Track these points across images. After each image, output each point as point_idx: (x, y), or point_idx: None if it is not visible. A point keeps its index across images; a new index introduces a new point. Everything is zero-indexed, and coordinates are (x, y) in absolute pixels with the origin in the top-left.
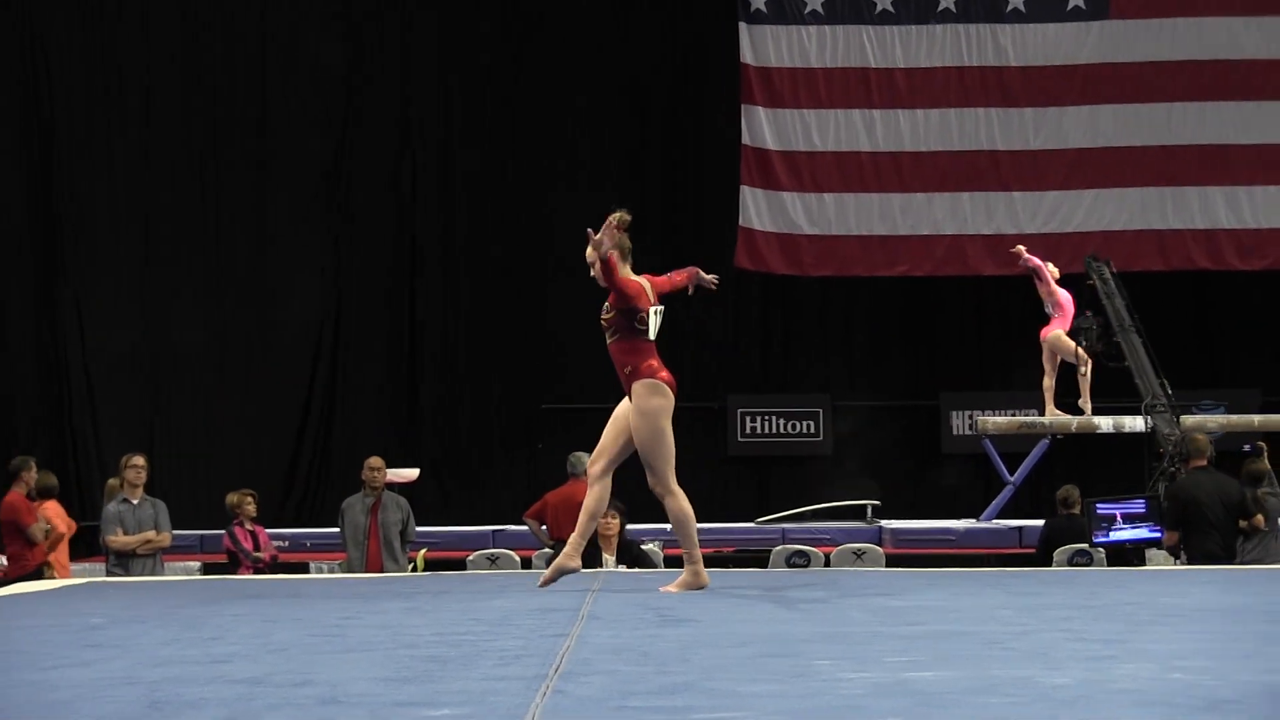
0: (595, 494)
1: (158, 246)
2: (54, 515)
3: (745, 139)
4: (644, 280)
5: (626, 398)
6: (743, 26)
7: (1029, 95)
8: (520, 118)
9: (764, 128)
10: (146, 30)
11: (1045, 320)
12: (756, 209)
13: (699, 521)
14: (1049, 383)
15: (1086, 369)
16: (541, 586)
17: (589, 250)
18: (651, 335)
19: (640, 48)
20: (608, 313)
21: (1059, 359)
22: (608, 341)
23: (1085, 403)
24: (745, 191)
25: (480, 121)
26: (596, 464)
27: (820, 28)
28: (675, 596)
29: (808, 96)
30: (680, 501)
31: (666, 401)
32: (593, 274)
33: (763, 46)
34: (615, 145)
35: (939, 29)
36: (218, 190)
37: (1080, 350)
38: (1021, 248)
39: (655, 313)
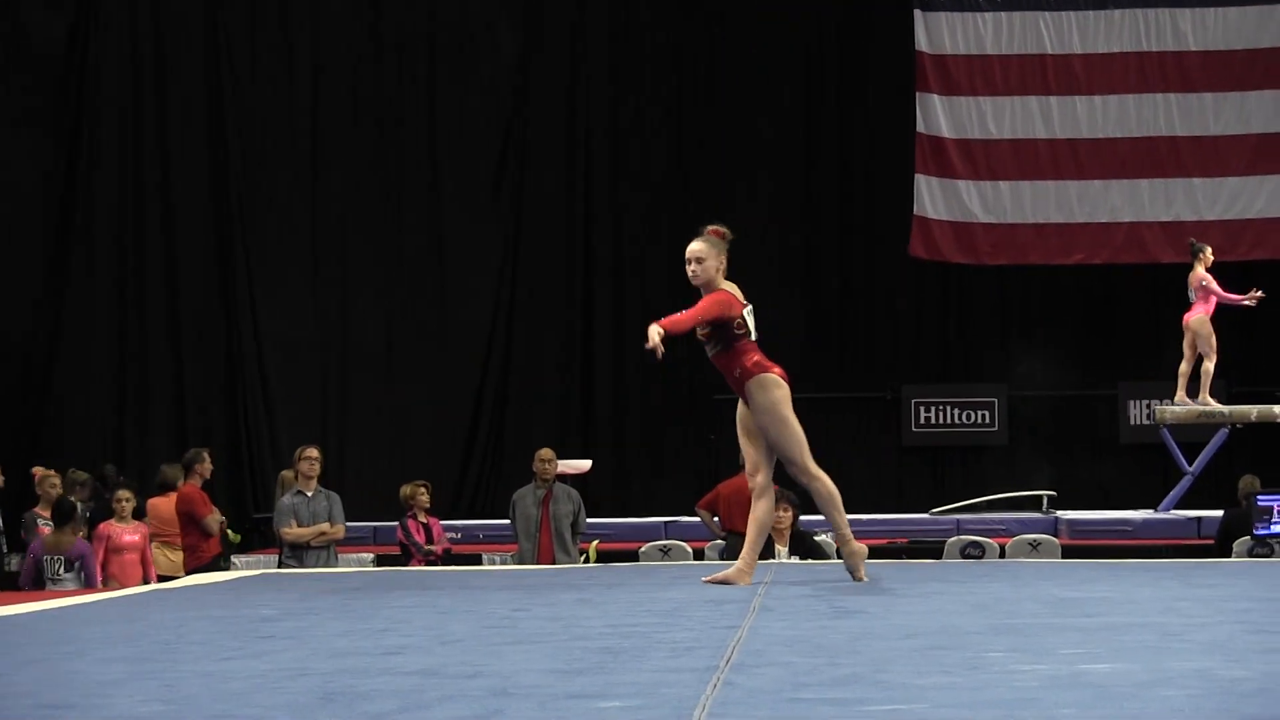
0: (763, 506)
1: (331, 237)
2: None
3: (920, 127)
4: (729, 286)
5: (741, 401)
6: (917, 14)
7: (1209, 80)
8: (690, 109)
9: (939, 116)
10: (319, 23)
11: (1188, 306)
12: (931, 197)
13: (872, 512)
14: (1185, 369)
15: (1211, 364)
16: (705, 582)
17: (701, 245)
18: (753, 335)
19: (813, 36)
20: (704, 328)
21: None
22: (709, 354)
23: (1205, 398)
24: (920, 180)
25: (652, 112)
26: (756, 477)
27: (996, 14)
28: (852, 585)
29: (983, 84)
30: (825, 483)
31: (783, 392)
32: (695, 269)
33: (938, 34)
34: (787, 135)
35: (1117, 14)
36: (390, 182)
37: (1214, 342)
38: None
39: (749, 312)
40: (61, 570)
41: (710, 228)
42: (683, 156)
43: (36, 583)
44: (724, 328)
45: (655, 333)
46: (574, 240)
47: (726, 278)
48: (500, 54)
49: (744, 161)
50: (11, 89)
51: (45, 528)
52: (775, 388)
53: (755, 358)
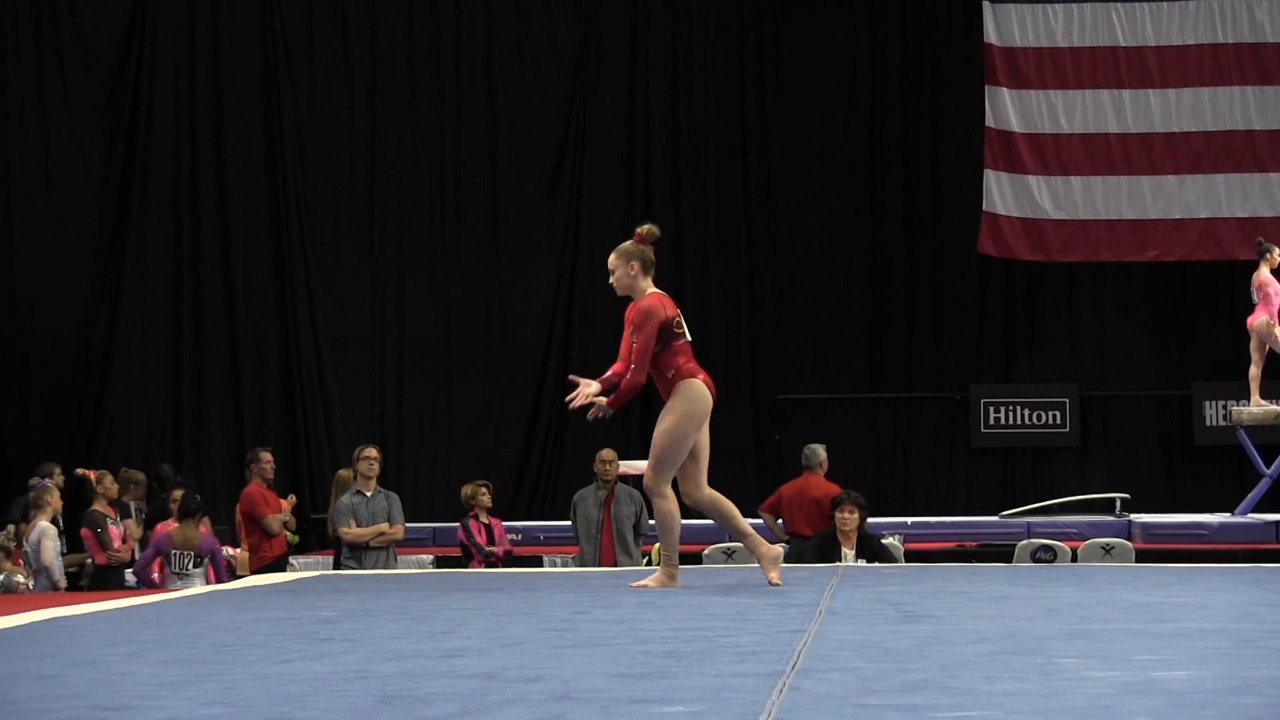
0: (718, 509)
1: (388, 233)
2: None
3: (989, 121)
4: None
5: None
6: (986, 6)
7: None
8: (753, 101)
9: (1008, 110)
10: (375, 14)
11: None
12: (1001, 193)
13: (941, 514)
14: (1255, 372)
15: None
16: (634, 586)
17: (612, 257)
18: (688, 336)
19: (879, 28)
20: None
21: (1267, 348)
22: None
23: None
24: (989, 175)
25: (712, 105)
26: (693, 489)
27: (1067, 6)
28: (922, 590)
29: (1054, 77)
30: (670, 504)
31: (701, 408)
32: (611, 281)
33: (1007, 26)
34: (852, 128)
35: (1192, 5)
36: (447, 176)
37: None
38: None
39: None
40: (190, 565)
41: (644, 230)
42: (745, 151)
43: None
44: (662, 329)
45: (591, 394)
46: (632, 233)
47: (655, 282)
48: (559, 44)
49: (808, 156)
50: (67, 84)
51: (114, 527)
52: (699, 400)
53: (691, 364)
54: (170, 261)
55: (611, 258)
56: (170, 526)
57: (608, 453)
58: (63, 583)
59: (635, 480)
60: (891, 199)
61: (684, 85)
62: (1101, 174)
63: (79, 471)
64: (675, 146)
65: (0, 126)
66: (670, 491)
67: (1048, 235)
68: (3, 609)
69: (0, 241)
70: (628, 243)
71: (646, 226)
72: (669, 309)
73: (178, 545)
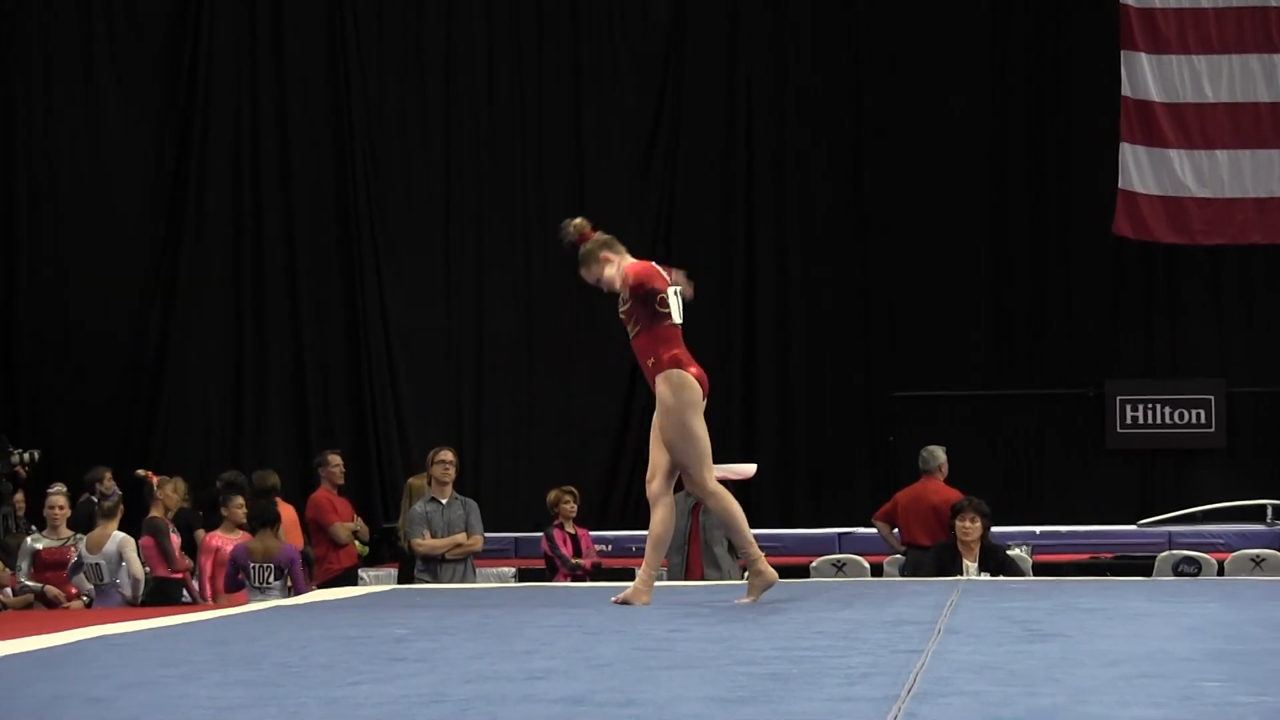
0: (659, 516)
1: (466, 222)
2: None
3: (1125, 90)
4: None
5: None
6: None
7: None
8: (865, 72)
9: (1147, 77)
10: None
11: None
12: (1138, 169)
13: (1073, 523)
14: None
15: None
16: (613, 601)
17: (581, 270)
18: (676, 318)
19: None
20: (624, 303)
21: None
22: (631, 338)
23: None
24: (1125, 149)
25: (820, 76)
26: (652, 482)
27: None
28: (1049, 606)
29: (1197, 41)
30: (723, 500)
31: (693, 395)
32: (602, 286)
33: None
34: (974, 99)
35: None
36: (530, 161)
37: None
38: None
39: (675, 292)
40: (271, 578)
41: (573, 231)
42: (857, 126)
43: (231, 587)
44: (649, 299)
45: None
46: (733, 222)
47: (636, 257)
48: (650, 7)
49: (924, 133)
50: (118, 63)
51: (176, 536)
52: (685, 388)
53: (677, 352)
54: (229, 252)
55: (581, 271)
56: (230, 538)
57: None
58: (140, 598)
59: (736, 487)
60: (1017, 177)
61: (789, 53)
62: (1250, 147)
63: (139, 473)
64: (779, 122)
65: (44, 107)
66: (720, 487)
67: (1190, 215)
68: (56, 625)
69: (49, 234)
70: (582, 249)
71: (575, 222)
72: (657, 279)
73: (257, 558)
